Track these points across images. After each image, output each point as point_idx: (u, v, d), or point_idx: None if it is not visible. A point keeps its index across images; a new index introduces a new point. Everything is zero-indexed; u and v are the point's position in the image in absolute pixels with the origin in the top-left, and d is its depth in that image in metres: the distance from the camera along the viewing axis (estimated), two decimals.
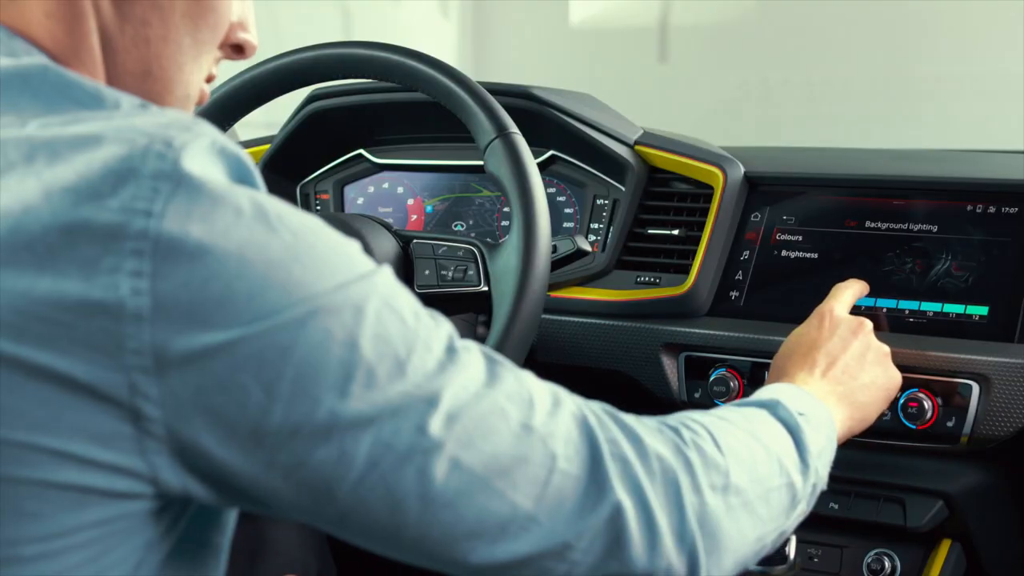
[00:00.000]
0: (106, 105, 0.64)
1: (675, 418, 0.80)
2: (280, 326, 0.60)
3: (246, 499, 0.65)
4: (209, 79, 0.78)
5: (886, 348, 1.08)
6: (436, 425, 0.64)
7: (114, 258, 0.57)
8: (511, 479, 0.66)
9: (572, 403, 0.72)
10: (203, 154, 0.61)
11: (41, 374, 0.57)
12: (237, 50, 0.80)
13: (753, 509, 0.77)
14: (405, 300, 0.66)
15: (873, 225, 1.28)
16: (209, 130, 0.63)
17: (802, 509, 0.85)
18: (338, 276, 0.63)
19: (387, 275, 0.66)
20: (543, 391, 0.71)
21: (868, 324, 1.08)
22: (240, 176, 0.63)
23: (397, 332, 0.64)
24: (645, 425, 0.75)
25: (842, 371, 1.02)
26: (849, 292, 1.13)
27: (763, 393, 0.93)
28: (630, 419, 0.74)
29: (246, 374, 0.59)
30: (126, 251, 0.58)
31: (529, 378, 0.71)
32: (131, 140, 0.60)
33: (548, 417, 0.69)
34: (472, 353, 0.69)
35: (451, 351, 0.67)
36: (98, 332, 0.57)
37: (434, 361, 0.65)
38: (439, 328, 0.67)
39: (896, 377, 1.08)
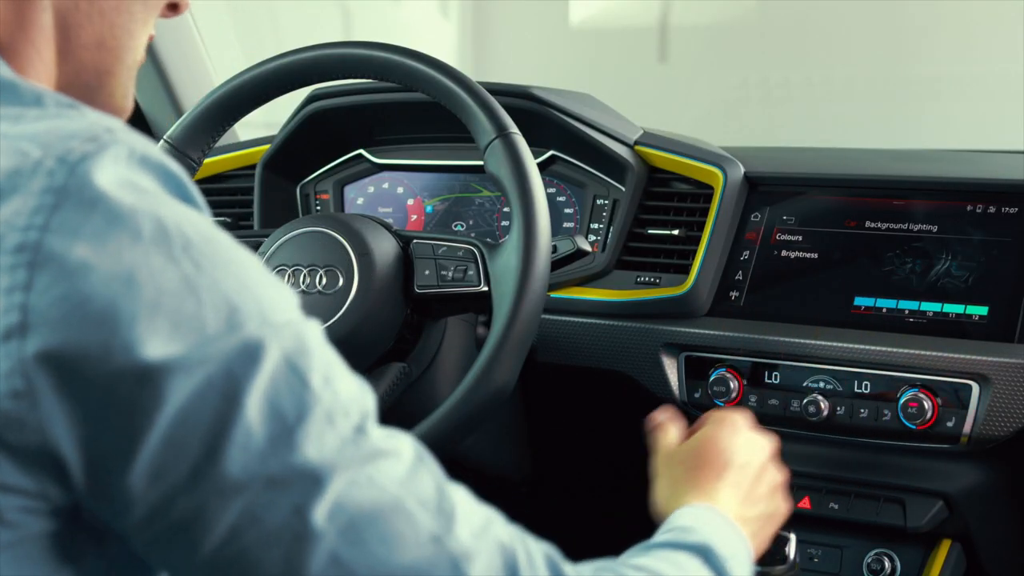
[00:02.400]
0: (23, 101, 0.61)
1: (613, 568, 0.71)
2: (161, 365, 0.54)
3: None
4: (149, 40, 0.74)
5: (782, 477, 0.97)
6: (319, 511, 0.56)
7: None
8: None
9: (505, 534, 0.63)
10: (112, 165, 0.56)
11: None
12: (172, 8, 0.76)
13: None
14: (318, 362, 0.59)
15: (873, 225, 1.28)
16: (126, 137, 0.58)
17: None
18: (236, 319, 0.56)
19: (302, 330, 0.59)
20: (472, 510, 0.63)
21: (773, 448, 0.98)
22: (168, 185, 0.59)
23: (292, 395, 0.57)
24: None
25: (753, 495, 0.91)
26: (743, 415, 0.99)
27: (688, 524, 0.82)
28: (569, 570, 0.66)
29: (115, 412, 0.54)
30: (3, 267, 0.54)
31: (459, 492, 0.63)
32: (24, 152, 0.56)
33: (469, 537, 0.61)
34: (393, 443, 0.61)
35: (360, 432, 0.59)
36: None
37: (334, 438, 0.57)
38: (354, 403, 0.60)
39: (785, 509, 0.96)
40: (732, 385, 1.26)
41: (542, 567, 0.64)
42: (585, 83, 1.51)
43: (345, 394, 0.59)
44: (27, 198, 0.55)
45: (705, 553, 0.78)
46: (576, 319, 1.35)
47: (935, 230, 1.25)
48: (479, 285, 1.13)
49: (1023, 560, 1.30)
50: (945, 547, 1.26)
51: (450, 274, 1.14)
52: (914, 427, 1.17)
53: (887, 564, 1.28)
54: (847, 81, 2.44)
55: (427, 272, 1.15)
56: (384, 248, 1.15)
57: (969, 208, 1.24)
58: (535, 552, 0.65)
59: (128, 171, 0.57)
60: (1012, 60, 2.13)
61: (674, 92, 2.68)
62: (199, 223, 0.58)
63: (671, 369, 1.30)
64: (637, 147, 1.39)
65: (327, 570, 0.57)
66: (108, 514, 0.57)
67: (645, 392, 1.32)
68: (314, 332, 0.60)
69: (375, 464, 0.59)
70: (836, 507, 1.27)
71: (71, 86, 0.70)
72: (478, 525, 0.62)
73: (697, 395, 1.28)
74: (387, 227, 1.19)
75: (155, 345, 0.54)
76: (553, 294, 1.35)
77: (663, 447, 0.96)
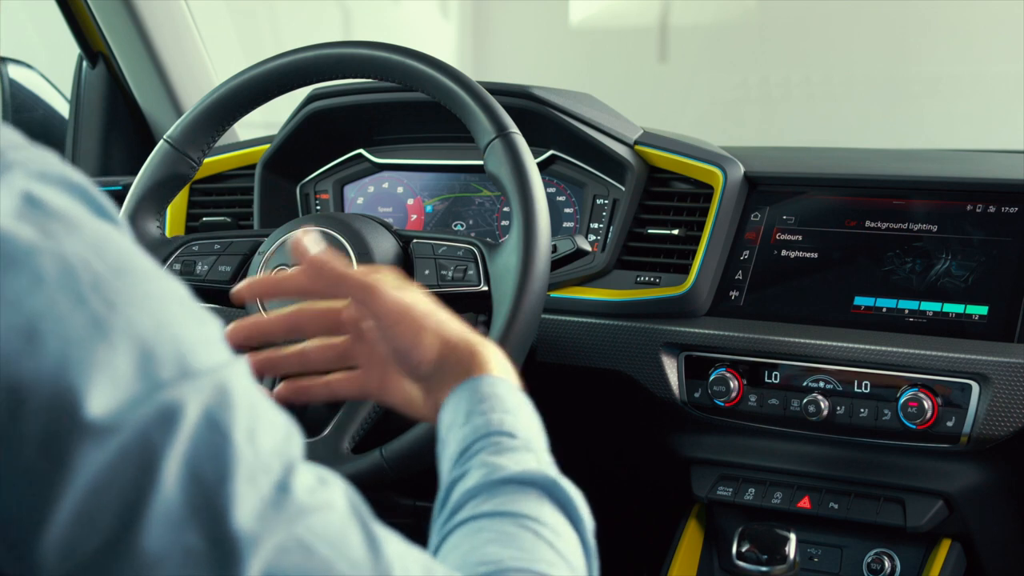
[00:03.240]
0: None
1: None
2: (69, 429, 0.48)
3: None
4: None
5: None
6: None
7: None
8: None
9: None
10: (5, 197, 0.50)
11: None
12: None
13: None
14: (241, 414, 0.52)
15: (873, 225, 1.28)
16: (24, 156, 0.52)
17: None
18: (152, 372, 0.50)
19: (225, 378, 0.53)
20: (410, 563, 0.57)
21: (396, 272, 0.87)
22: (82, 201, 0.53)
23: (214, 456, 0.51)
24: None
25: (444, 316, 0.82)
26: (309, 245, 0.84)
27: (511, 427, 0.73)
28: None
29: (23, 480, 0.49)
30: None
31: (393, 544, 0.57)
32: None
33: None
34: (322, 494, 0.54)
35: (283, 490, 0.53)
36: None
37: (256, 500, 0.51)
38: (275, 457, 0.53)
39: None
40: (732, 385, 1.26)
41: None
42: (585, 83, 1.51)
43: (267, 447, 0.53)
44: None
45: (550, 488, 0.70)
46: (576, 319, 1.35)
47: (935, 230, 1.25)
48: (479, 285, 1.13)
49: (1023, 560, 1.30)
50: (945, 547, 1.26)
51: (450, 274, 1.14)
52: (914, 427, 1.17)
53: (887, 564, 1.28)
54: (847, 81, 2.44)
55: (427, 272, 1.15)
56: (384, 248, 1.15)
57: (969, 208, 1.24)
58: None
59: (29, 194, 0.51)
60: (1012, 60, 2.13)
61: (674, 92, 2.68)
62: (112, 248, 0.52)
63: (671, 369, 1.30)
64: (637, 147, 1.39)
65: None
66: None
67: (645, 392, 1.32)
68: (238, 376, 0.54)
69: (302, 523, 0.53)
70: (836, 507, 1.27)
71: None
72: None
73: (697, 395, 1.28)
74: (387, 227, 1.19)
75: (59, 408, 0.48)
76: (553, 294, 1.35)
77: None
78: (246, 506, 0.51)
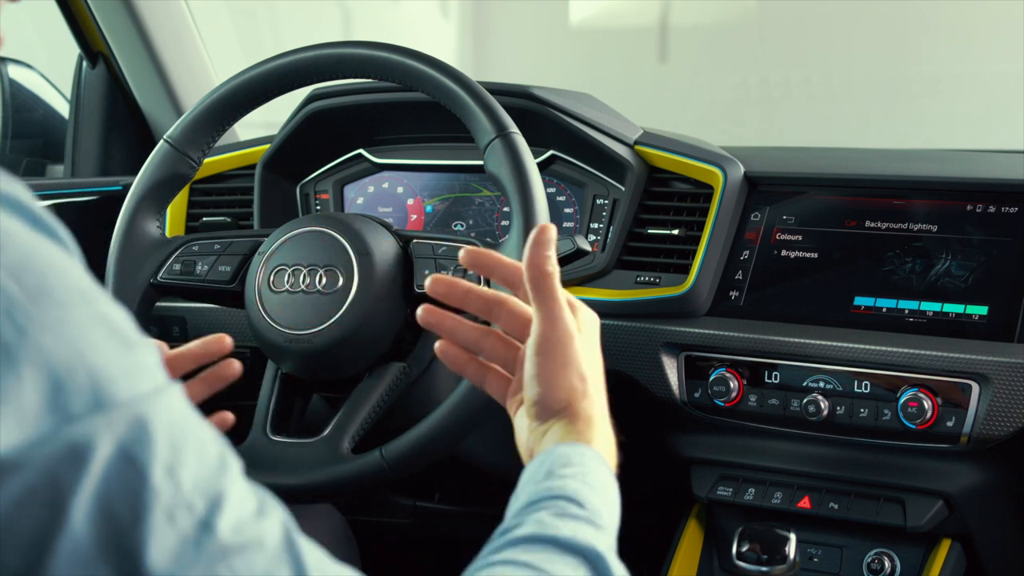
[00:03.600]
0: None
1: None
2: None
3: None
4: None
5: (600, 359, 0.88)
6: None
7: None
8: None
9: None
10: None
11: None
12: None
13: None
14: (160, 448, 0.49)
15: (873, 225, 1.28)
16: None
17: None
18: (62, 401, 0.46)
19: (144, 410, 0.49)
20: None
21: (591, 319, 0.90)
22: (13, 212, 0.49)
23: (127, 494, 0.47)
24: None
25: (598, 388, 0.83)
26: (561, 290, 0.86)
27: (589, 539, 0.69)
28: None
29: None
30: None
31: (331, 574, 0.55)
32: None
33: None
34: (252, 530, 0.51)
35: (206, 528, 0.49)
36: None
37: (174, 539, 0.48)
38: (199, 493, 0.50)
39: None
40: (732, 385, 1.26)
41: None
42: (585, 83, 1.51)
43: (190, 482, 0.49)
44: None
45: (596, 562, 0.68)
46: None
47: (935, 230, 1.25)
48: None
49: (1023, 560, 1.30)
50: (945, 547, 1.26)
51: (450, 274, 1.14)
52: (914, 427, 1.17)
53: (887, 564, 1.28)
54: (847, 81, 2.44)
55: (427, 272, 1.15)
56: (384, 248, 1.15)
57: (969, 208, 1.24)
58: None
59: None
60: (1012, 60, 2.13)
61: (674, 92, 2.68)
62: (36, 268, 0.48)
63: (671, 369, 1.30)
64: (637, 147, 1.39)
65: None
66: None
67: (645, 392, 1.32)
68: (163, 407, 0.50)
69: (224, 563, 0.49)
70: (836, 507, 1.27)
71: None
72: None
73: (697, 395, 1.28)
74: (387, 227, 1.19)
75: None
76: None
77: None
78: (162, 545, 0.48)
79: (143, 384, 0.49)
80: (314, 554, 0.54)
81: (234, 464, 0.53)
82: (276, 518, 0.53)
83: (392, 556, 1.70)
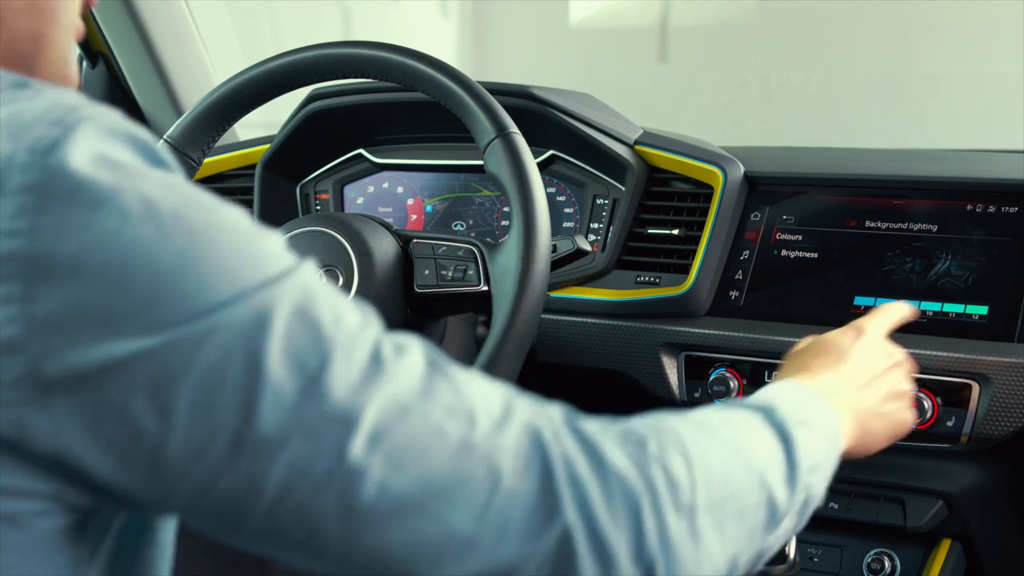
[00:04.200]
0: None
1: (647, 424, 0.72)
2: (172, 344, 0.54)
3: (160, 517, 0.61)
4: (79, 36, 0.71)
5: (909, 388, 0.97)
6: (357, 447, 0.57)
7: None
8: (448, 500, 0.60)
9: (525, 413, 0.65)
10: (87, 144, 0.55)
11: None
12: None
13: (724, 528, 0.70)
14: (324, 303, 0.59)
15: (873, 225, 1.28)
16: (94, 113, 0.57)
17: (788, 526, 0.77)
18: (240, 283, 0.56)
19: (302, 276, 0.59)
20: (492, 400, 0.64)
21: (902, 359, 0.98)
22: (144, 155, 0.58)
23: (310, 343, 0.57)
24: (608, 437, 0.67)
25: (866, 389, 0.91)
26: (892, 314, 1.01)
27: (765, 392, 0.83)
28: (592, 430, 0.67)
29: (138, 398, 0.54)
30: None
31: (474, 386, 0.64)
32: None
33: (493, 431, 0.62)
34: (406, 359, 0.62)
35: (376, 360, 0.60)
36: None
37: (355, 372, 0.58)
38: (363, 333, 0.60)
39: (909, 420, 0.97)
40: (732, 385, 1.26)
41: (565, 434, 0.65)
42: (585, 83, 1.51)
43: (354, 326, 0.60)
44: (5, 199, 0.53)
45: (767, 411, 0.78)
46: (576, 319, 1.35)
47: (935, 230, 1.25)
48: (479, 285, 1.13)
49: (1023, 560, 1.30)
50: (945, 547, 1.26)
51: (450, 274, 1.14)
52: (914, 427, 1.17)
53: (887, 564, 1.28)
54: (847, 81, 2.44)
55: (427, 272, 1.15)
56: (384, 248, 1.15)
57: (969, 208, 1.24)
58: (556, 420, 0.66)
59: (101, 147, 0.56)
60: (1012, 60, 2.13)
61: (674, 92, 2.68)
62: (181, 188, 0.57)
63: (671, 369, 1.30)
64: (637, 147, 1.39)
65: (377, 500, 0.58)
66: (153, 502, 0.58)
67: (645, 392, 1.32)
68: (312, 273, 0.60)
69: (395, 384, 0.60)
70: (836, 507, 1.27)
71: (11, 55, 0.66)
72: (498, 414, 0.63)
73: (697, 395, 1.28)
74: (387, 227, 1.19)
75: (163, 329, 0.54)
76: (553, 294, 1.35)
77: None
78: (348, 381, 0.57)
79: (290, 260, 0.60)
80: (457, 369, 0.64)
81: (372, 312, 0.63)
82: (416, 346, 0.63)
83: None
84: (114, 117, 0.58)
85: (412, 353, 0.62)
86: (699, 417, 0.75)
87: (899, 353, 0.97)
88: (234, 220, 0.58)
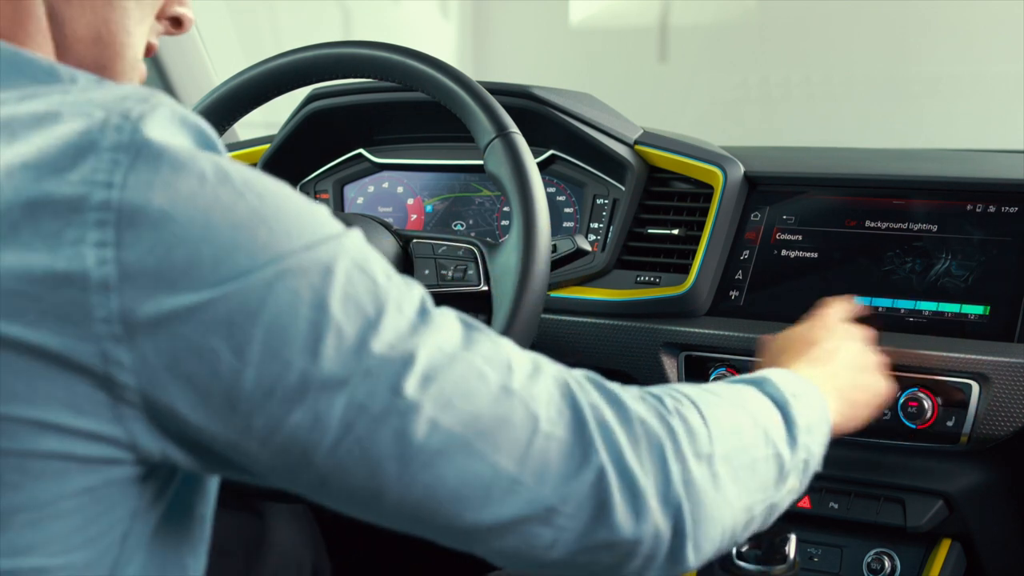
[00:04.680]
0: (62, 80, 0.65)
1: (660, 388, 0.79)
2: (247, 288, 0.60)
3: (226, 465, 0.65)
4: (150, 51, 0.78)
5: (880, 359, 1.06)
6: (411, 386, 0.63)
7: (77, 230, 0.58)
8: (492, 441, 0.66)
9: (553, 368, 0.72)
10: (163, 123, 0.61)
11: (13, 347, 0.58)
12: (175, 23, 0.79)
13: (739, 478, 0.76)
14: (376, 262, 0.66)
15: (873, 225, 1.28)
16: (167, 100, 0.63)
17: (793, 484, 0.83)
18: (306, 237, 0.63)
19: (357, 237, 0.66)
20: (523, 357, 0.71)
21: (866, 332, 1.07)
22: (203, 143, 0.64)
23: (367, 292, 0.64)
24: (628, 392, 0.75)
25: (840, 366, 0.99)
26: (842, 306, 1.11)
27: (753, 374, 0.91)
28: (613, 386, 0.74)
29: (216, 337, 0.60)
30: (89, 222, 0.58)
31: (508, 344, 0.71)
32: (89, 114, 0.60)
33: (528, 380, 0.69)
34: (447, 317, 0.69)
35: (424, 313, 0.67)
36: (66, 303, 0.58)
37: (406, 322, 0.65)
38: (411, 291, 0.67)
39: (887, 389, 1.05)
40: None
41: (590, 387, 0.72)
42: (585, 83, 1.51)
43: (403, 284, 0.67)
44: (101, 155, 0.59)
45: (759, 383, 0.86)
46: (576, 319, 1.35)
47: (935, 230, 1.25)
48: (479, 284, 1.13)
49: (1023, 560, 1.30)
50: (945, 547, 1.26)
51: (450, 273, 1.14)
52: (914, 427, 1.17)
53: (887, 564, 1.28)
54: (847, 81, 2.44)
55: (427, 271, 1.15)
56: (384, 248, 1.15)
57: (969, 208, 1.24)
58: (580, 377, 0.73)
59: (175, 127, 0.62)
60: (1012, 60, 2.13)
61: (674, 92, 2.68)
62: (240, 165, 0.64)
63: (671, 369, 1.30)
64: (637, 147, 1.39)
65: (429, 436, 0.64)
66: (228, 439, 0.62)
67: None
68: (361, 238, 0.67)
69: (441, 335, 0.66)
70: (836, 507, 1.27)
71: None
72: (531, 368, 0.70)
73: None
74: (387, 227, 1.19)
75: (239, 275, 0.60)
76: (553, 294, 1.35)
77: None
78: (400, 329, 0.64)
79: (339, 225, 0.66)
80: (489, 329, 0.71)
81: (413, 278, 0.72)
82: (448, 309, 0.70)
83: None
84: (183, 108, 0.64)
85: (450, 313, 0.70)
86: (703, 386, 0.82)
87: (856, 330, 1.06)
88: (289, 191, 0.65)
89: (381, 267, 0.66)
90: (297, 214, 0.64)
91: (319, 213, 0.65)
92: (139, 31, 0.75)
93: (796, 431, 0.84)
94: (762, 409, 0.83)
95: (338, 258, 0.63)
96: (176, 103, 0.64)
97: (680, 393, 0.78)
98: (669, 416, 0.74)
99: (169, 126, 0.62)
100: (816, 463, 0.87)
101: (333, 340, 0.62)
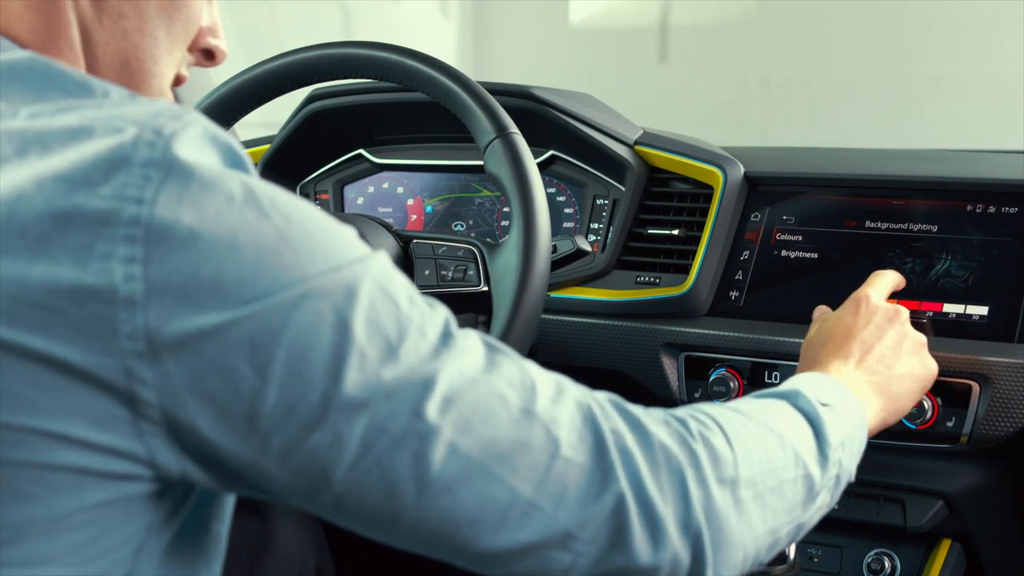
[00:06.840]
0: (95, 94, 0.65)
1: (684, 410, 0.78)
2: (271, 309, 0.60)
3: (244, 484, 0.65)
4: (179, 81, 0.79)
5: (922, 337, 1.05)
6: (432, 409, 0.64)
7: (106, 244, 0.58)
8: (511, 464, 0.66)
9: (576, 392, 0.72)
10: (194, 141, 0.62)
11: (37, 359, 0.58)
12: (208, 56, 0.80)
13: (764, 502, 0.76)
14: (400, 285, 0.66)
15: (873, 225, 1.28)
16: (199, 118, 0.64)
17: (824, 501, 0.83)
18: (331, 259, 0.63)
19: (382, 260, 0.66)
20: (546, 379, 0.71)
21: (904, 312, 1.05)
22: (232, 162, 0.64)
23: (390, 316, 0.64)
24: (651, 416, 0.74)
25: (877, 360, 0.99)
26: (886, 280, 1.10)
27: (786, 384, 0.90)
28: (636, 410, 0.73)
29: (239, 357, 0.60)
30: (118, 237, 0.58)
31: (531, 366, 0.71)
32: (121, 129, 0.60)
33: (551, 403, 0.69)
34: (470, 340, 0.69)
35: (447, 336, 0.67)
36: (91, 317, 0.58)
37: (428, 346, 0.65)
38: (435, 314, 0.67)
39: (932, 367, 1.04)
40: (732, 385, 1.26)
41: (612, 412, 0.72)
42: (585, 83, 1.51)
43: (427, 307, 0.67)
44: (132, 170, 0.59)
45: (791, 397, 0.86)
46: (576, 319, 1.35)
47: (935, 230, 1.25)
48: (479, 285, 1.13)
49: (1023, 560, 1.30)
50: (945, 547, 1.26)
51: (450, 274, 1.14)
52: (914, 427, 1.17)
53: (887, 564, 1.28)
54: (847, 81, 2.44)
55: (427, 272, 1.15)
56: (384, 248, 1.15)
57: (969, 208, 1.24)
58: (603, 401, 0.72)
59: (206, 145, 0.63)
60: (1012, 60, 2.13)
61: (674, 92, 2.68)
62: (269, 185, 0.64)
63: (671, 369, 1.30)
64: (637, 147, 1.39)
65: (448, 460, 0.64)
66: (246, 459, 0.62)
67: (645, 392, 1.32)
68: (387, 260, 0.67)
69: (464, 358, 0.66)
70: (836, 507, 1.27)
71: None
72: (553, 391, 0.70)
73: (697, 395, 1.28)
74: (387, 227, 1.19)
75: (264, 295, 0.60)
76: (553, 294, 1.35)
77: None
78: (422, 352, 0.64)
79: (365, 248, 0.66)
80: (512, 351, 0.71)
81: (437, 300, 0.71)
82: (472, 331, 0.70)
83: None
84: (215, 127, 0.65)
85: (473, 335, 0.69)
86: (731, 405, 0.82)
87: (900, 309, 1.04)
88: (316, 212, 0.66)
89: (405, 290, 0.66)
90: (322, 236, 0.64)
91: (345, 235, 0.66)
92: (167, 61, 0.75)
93: (828, 449, 0.83)
94: (792, 426, 0.82)
95: (362, 281, 0.63)
96: (208, 121, 0.65)
97: (706, 415, 0.78)
98: (692, 441, 0.74)
99: (200, 144, 0.62)
100: (849, 476, 0.87)
101: (355, 362, 0.62)
